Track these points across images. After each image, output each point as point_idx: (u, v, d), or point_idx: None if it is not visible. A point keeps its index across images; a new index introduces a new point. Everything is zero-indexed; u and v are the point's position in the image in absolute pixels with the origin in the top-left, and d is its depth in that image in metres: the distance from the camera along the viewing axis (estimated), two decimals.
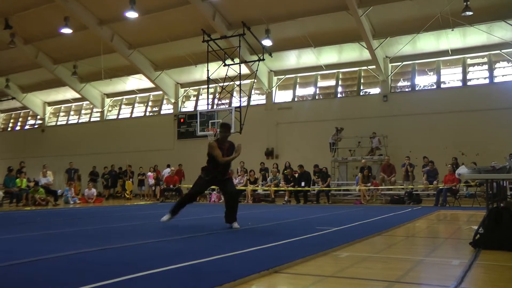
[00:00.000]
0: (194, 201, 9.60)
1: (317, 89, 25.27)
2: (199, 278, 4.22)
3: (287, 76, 25.63)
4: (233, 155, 9.19)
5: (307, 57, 24.29)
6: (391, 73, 23.14)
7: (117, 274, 4.23)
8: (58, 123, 34.43)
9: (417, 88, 23.06)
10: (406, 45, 21.71)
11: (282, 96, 25.89)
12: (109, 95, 31.47)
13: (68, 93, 31.80)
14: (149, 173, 23.96)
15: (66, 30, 23.57)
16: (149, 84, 28.18)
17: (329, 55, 23.93)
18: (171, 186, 22.07)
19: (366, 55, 22.34)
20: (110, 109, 31.80)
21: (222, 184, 9.42)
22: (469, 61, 22.42)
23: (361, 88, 24.30)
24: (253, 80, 24.09)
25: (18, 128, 37.35)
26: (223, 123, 9.75)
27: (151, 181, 23.65)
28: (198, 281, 4.11)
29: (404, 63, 23.08)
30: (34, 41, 27.11)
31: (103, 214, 14.12)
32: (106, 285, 3.82)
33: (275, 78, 25.68)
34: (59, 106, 34.51)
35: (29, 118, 36.71)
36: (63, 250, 5.90)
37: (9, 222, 11.79)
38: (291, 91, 25.67)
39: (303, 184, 19.72)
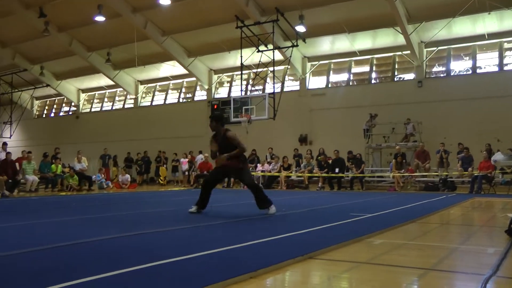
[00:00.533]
0: (212, 188, 9.08)
1: (351, 75, 25.40)
2: (234, 264, 4.27)
3: (320, 62, 25.79)
4: (224, 154, 8.67)
5: (341, 43, 24.37)
6: (426, 58, 23.13)
7: (152, 259, 4.30)
8: (92, 109, 35.32)
9: (452, 74, 23.04)
10: (441, 29, 21.62)
11: (316, 82, 26.09)
12: (142, 82, 32.08)
13: (102, 80, 32.50)
14: (183, 159, 24.37)
15: (100, 18, 24.11)
16: (183, 71, 28.61)
17: (363, 40, 24.00)
18: (205, 172, 22.52)
19: (400, 40, 22.33)
20: (143, 95, 32.43)
21: (237, 175, 9.45)
22: (506, 46, 22.26)
23: (396, 73, 24.36)
24: (287, 66, 24.34)
25: (53, 115, 38.44)
26: (212, 115, 9.42)
27: (185, 167, 24.06)
28: (232, 266, 4.14)
29: (439, 48, 23.03)
30: (68, 29, 27.77)
31: (137, 200, 14.47)
32: (141, 270, 3.92)
33: (308, 64, 25.86)
34: (93, 93, 35.36)
35: (63, 105, 37.69)
36: (98, 235, 6.09)
37: (44, 207, 12.08)
38: (324, 77, 25.85)
39: (337, 170, 19.90)
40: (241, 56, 22.39)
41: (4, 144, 21.82)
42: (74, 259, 4.58)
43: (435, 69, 23.66)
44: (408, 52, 22.79)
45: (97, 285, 3.46)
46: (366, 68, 25.13)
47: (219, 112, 8.82)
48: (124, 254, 4.81)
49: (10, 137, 34.13)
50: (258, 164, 22.15)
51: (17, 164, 18.86)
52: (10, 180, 16.95)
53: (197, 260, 4.44)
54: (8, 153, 18.55)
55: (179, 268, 4.11)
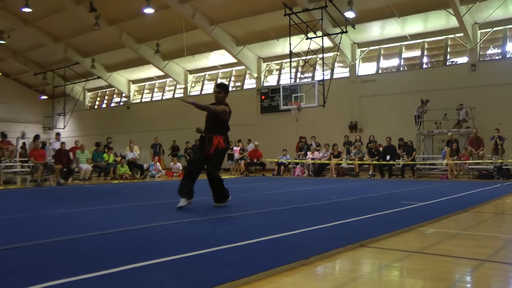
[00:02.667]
0: (195, 176, 8.25)
1: (402, 60, 25.37)
2: (285, 251, 4.39)
3: (370, 48, 25.83)
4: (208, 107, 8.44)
5: (391, 28, 24.33)
6: (480, 40, 22.84)
7: (202, 246, 4.47)
8: (143, 100, 36.37)
9: (508, 56, 22.61)
10: (497, 9, 21.20)
11: (366, 69, 26.16)
12: (191, 72, 32.84)
13: (151, 71, 33.43)
14: (235, 147, 24.77)
15: (149, 10, 24.75)
16: (231, 59, 29.13)
17: (414, 24, 23.88)
18: (255, 160, 23.06)
19: (453, 22, 22.12)
20: (193, 85, 33.18)
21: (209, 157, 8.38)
22: None
23: (448, 57, 24.13)
24: (336, 53, 24.51)
25: (104, 105, 39.78)
26: (218, 83, 8.87)
27: (237, 155, 24.59)
28: (284, 254, 4.25)
29: (494, 29, 22.65)
30: (118, 22, 28.69)
31: None
32: (197, 255, 4.13)
33: (358, 51, 25.95)
34: (143, 83, 36.46)
35: (114, 96, 38.99)
36: (150, 221, 6.39)
37: (97, 194, 12.52)
38: (374, 63, 25.92)
39: (388, 158, 19.98)
40: (290, 44, 22.72)
41: (58, 134, 22.95)
42: (125, 244, 4.85)
43: (489, 51, 23.27)
44: (461, 34, 22.56)
45: (160, 268, 3.72)
46: (417, 53, 25.03)
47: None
48: (179, 240, 5.06)
49: (63, 128, 35.76)
50: (308, 152, 22.49)
51: (71, 153, 19.81)
52: (64, 169, 17.93)
53: (249, 247, 4.59)
54: (62, 143, 19.60)
55: (231, 254, 4.28)
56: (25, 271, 3.70)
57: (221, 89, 8.55)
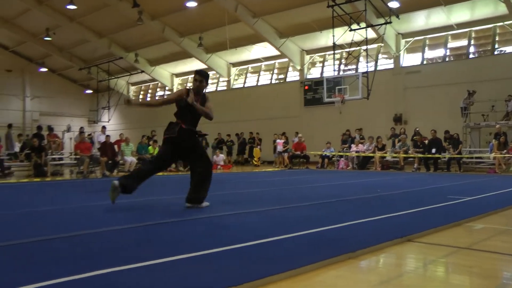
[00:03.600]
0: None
1: (448, 50, 25.25)
2: (332, 244, 4.46)
3: (415, 38, 25.69)
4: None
5: (436, 17, 24.14)
6: None
7: (247, 239, 4.56)
8: None
9: None
10: None
11: (410, 60, 26.08)
12: (234, 64, 33.37)
13: (194, 64, 33.90)
14: (279, 140, 25.05)
15: (191, 4, 25.25)
16: (274, 52, 29.47)
17: (461, 12, 23.61)
18: (299, 152, 23.39)
19: (502, 9, 21.85)
20: (236, 77, 33.68)
21: (188, 156, 7.65)
22: None
23: (496, 46, 23.85)
24: (380, 44, 24.66)
25: (148, 99, 40.60)
26: (198, 70, 7.81)
27: (280, 148, 24.81)
28: (331, 246, 4.32)
29: None
30: (160, 17, 29.35)
31: (231, 180, 15.10)
32: (236, 249, 4.21)
33: (402, 41, 25.89)
34: (186, 77, 37.17)
35: (158, 89, 39.86)
36: (194, 214, 6.52)
37: (142, 187, 13.25)
38: (419, 54, 25.84)
39: (433, 151, 19.76)
40: (333, 36, 22.87)
41: (103, 127, 23.75)
42: (175, 235, 5.06)
43: None
44: (511, 22, 22.33)
45: (204, 261, 3.82)
46: (463, 42, 24.85)
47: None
48: (225, 232, 5.17)
49: (108, 121, 36.76)
50: (352, 145, 22.69)
51: (115, 146, 20.51)
52: (110, 161, 18.65)
53: (295, 239, 4.66)
54: (107, 136, 20.29)
55: (276, 247, 4.34)
56: (73, 259, 3.93)
57: (204, 77, 7.60)
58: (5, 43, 38.63)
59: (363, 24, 22.77)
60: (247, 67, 33.22)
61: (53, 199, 6.64)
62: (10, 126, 24.93)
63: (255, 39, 28.84)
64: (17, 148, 19.97)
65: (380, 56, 26.57)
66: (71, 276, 3.28)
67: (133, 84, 41.44)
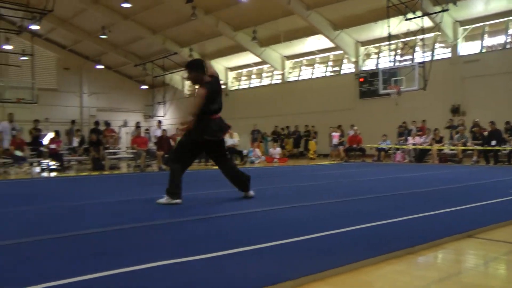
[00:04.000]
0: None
1: (509, 37, 24.73)
2: (390, 239, 4.44)
3: (474, 25, 25.14)
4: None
5: (496, 2, 23.55)
6: None
7: (303, 232, 4.64)
8: (241, 87, 37.65)
9: None
10: None
11: (469, 48, 25.54)
12: (289, 57, 33.61)
13: (248, 58, 34.50)
14: (334, 133, 25.21)
15: None
16: (329, 44, 29.57)
17: None
18: (355, 145, 23.49)
19: None
20: (290, 71, 33.93)
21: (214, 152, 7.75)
22: None
23: None
24: (437, 32, 24.44)
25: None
26: (186, 63, 7.75)
27: (336, 141, 24.96)
28: (389, 241, 4.32)
29: None
30: (214, 11, 29.85)
31: (287, 173, 15.31)
32: (292, 242, 4.27)
33: (460, 29, 25.45)
34: (240, 71, 37.77)
35: None
36: (253, 207, 6.62)
37: (197, 180, 12.91)
38: (478, 42, 25.30)
39: (493, 143, 19.33)
40: (388, 26, 22.88)
41: (159, 122, 24.42)
42: (227, 229, 5.15)
43: None
44: None
45: (258, 255, 3.90)
46: None
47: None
48: (283, 226, 5.23)
49: (163, 116, 37.69)
50: (408, 137, 22.64)
51: (171, 140, 21.06)
52: (166, 155, 19.24)
53: (353, 233, 4.72)
54: (163, 130, 20.95)
55: (334, 240, 4.40)
56: (132, 250, 4.14)
57: (188, 68, 7.46)
58: (63, 42, 40.24)
59: (418, 13, 22.61)
60: (301, 60, 33.41)
61: (113, 192, 6.97)
62: (73, 122, 26.11)
63: (309, 31, 28.99)
64: (75, 143, 20.80)
65: (436, 45, 26.30)
66: (133, 267, 3.48)
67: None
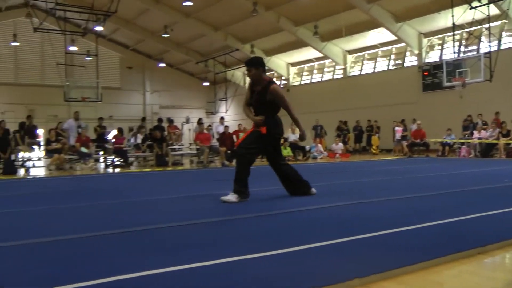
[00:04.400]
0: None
1: None
2: (459, 237, 4.39)
3: None
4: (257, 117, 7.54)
5: None
6: None
7: (372, 229, 4.65)
8: (302, 82, 37.79)
9: None
10: None
11: None
12: (350, 52, 33.56)
13: (310, 53, 34.66)
14: (397, 128, 25.09)
15: None
16: (391, 37, 29.37)
17: None
18: (418, 140, 23.29)
19: None
20: (352, 65, 33.83)
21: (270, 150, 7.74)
22: None
23: None
24: (504, 20, 23.88)
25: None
26: (246, 60, 7.77)
27: (399, 136, 24.84)
28: (458, 240, 4.27)
29: None
30: (275, 7, 30.12)
31: (350, 169, 15.51)
32: (364, 239, 4.29)
33: None
34: (302, 66, 37.92)
35: (274, 79, 40.62)
36: (314, 203, 6.63)
37: (261, 176, 13.37)
38: None
39: None
40: (452, 16, 22.55)
41: (222, 118, 24.93)
42: (286, 225, 5.24)
43: None
44: None
45: (332, 250, 3.96)
46: None
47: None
48: (352, 222, 5.28)
49: (226, 112, 38.26)
50: (474, 131, 22.28)
51: (234, 136, 21.47)
52: (228, 151, 19.72)
53: (422, 230, 4.70)
54: (225, 127, 21.44)
55: (404, 238, 4.41)
56: (198, 246, 4.25)
57: (249, 66, 7.51)
58: (126, 42, 41.68)
59: (484, 1, 22.15)
60: (363, 54, 33.29)
61: (177, 188, 7.21)
62: (143, 119, 27.20)
63: (371, 25, 28.89)
64: (139, 140, 21.47)
65: (504, 34, 25.62)
66: (196, 263, 3.55)
67: None
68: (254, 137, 7.45)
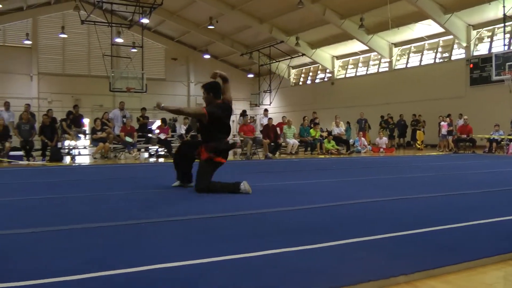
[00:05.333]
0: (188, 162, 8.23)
1: None
2: (505, 237, 4.26)
3: None
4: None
5: None
6: None
7: (414, 226, 4.59)
8: (347, 75, 37.70)
9: None
10: None
11: None
12: (396, 44, 33.36)
13: (355, 46, 34.60)
14: (443, 123, 24.91)
15: None
16: (438, 29, 29.02)
17: None
18: (464, 136, 23.09)
19: None
20: (398, 58, 33.62)
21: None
22: None
23: None
24: None
25: (309, 82, 41.90)
26: (203, 84, 8.26)
27: (444, 131, 24.71)
28: (504, 239, 4.15)
29: None
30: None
31: (393, 164, 15.35)
32: (403, 236, 4.22)
33: None
34: (347, 59, 37.90)
35: (318, 72, 40.85)
36: (358, 197, 6.62)
37: (305, 168, 13.37)
38: None
39: None
40: (503, 6, 22.30)
41: (266, 110, 25.16)
42: (327, 219, 5.14)
43: None
44: None
45: (379, 245, 3.93)
46: None
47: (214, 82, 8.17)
48: (393, 218, 5.21)
49: (270, 104, 38.55)
50: None
51: (278, 128, 21.70)
52: (272, 143, 19.93)
53: (466, 229, 4.59)
54: (269, 119, 21.63)
55: (446, 236, 4.30)
56: (243, 237, 4.23)
57: (205, 89, 7.98)
58: (171, 34, 42.47)
59: None
60: (410, 46, 33.02)
61: (219, 178, 7.33)
62: None
63: (418, 16, 28.59)
64: (182, 130, 21.80)
65: None
66: (242, 254, 3.56)
67: (294, 67, 42.93)
68: (201, 167, 7.60)
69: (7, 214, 5.70)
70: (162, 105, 7.58)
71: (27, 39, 36.70)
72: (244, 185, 7.17)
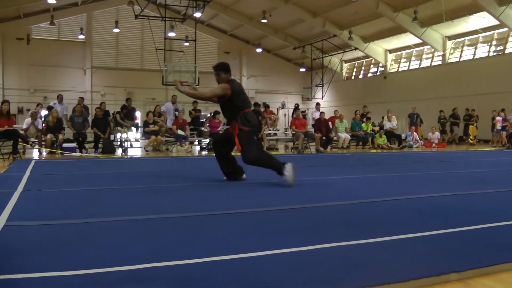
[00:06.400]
0: (224, 154, 8.38)
1: None
2: None
3: None
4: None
5: None
6: None
7: (469, 222, 4.62)
8: (400, 69, 37.77)
9: None
10: None
11: None
12: (450, 37, 33.22)
13: (408, 39, 34.60)
14: (498, 117, 24.68)
15: None
16: (493, 22, 28.70)
17: None
18: None
19: None
20: (452, 51, 33.51)
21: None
22: None
23: None
24: None
25: (361, 76, 42.09)
26: (213, 65, 8.58)
27: (499, 126, 24.49)
28: None
29: None
30: None
31: (446, 159, 15.42)
32: (456, 233, 4.20)
33: None
34: (400, 52, 37.94)
35: (371, 66, 41.01)
36: (411, 193, 6.64)
37: (357, 163, 13.63)
38: None
39: None
40: None
41: (318, 104, 25.64)
42: (382, 214, 5.17)
43: None
44: None
45: (431, 241, 3.93)
46: None
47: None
48: (447, 214, 5.20)
49: (322, 98, 39.01)
50: None
51: (330, 122, 22.16)
52: (324, 137, 20.41)
53: None
54: (321, 113, 22.10)
55: (503, 234, 4.28)
56: (297, 231, 4.31)
57: (217, 70, 8.24)
58: (224, 28, 43.16)
59: None
60: (464, 39, 32.87)
61: (272, 172, 7.40)
62: (256, 104, 28.37)
63: (473, 9, 28.35)
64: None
65: None
66: (295, 248, 3.62)
67: (347, 61, 43.17)
68: (243, 139, 7.81)
69: (72, 204, 5.97)
70: (182, 88, 7.92)
71: (81, 34, 38.02)
72: (289, 170, 7.30)
